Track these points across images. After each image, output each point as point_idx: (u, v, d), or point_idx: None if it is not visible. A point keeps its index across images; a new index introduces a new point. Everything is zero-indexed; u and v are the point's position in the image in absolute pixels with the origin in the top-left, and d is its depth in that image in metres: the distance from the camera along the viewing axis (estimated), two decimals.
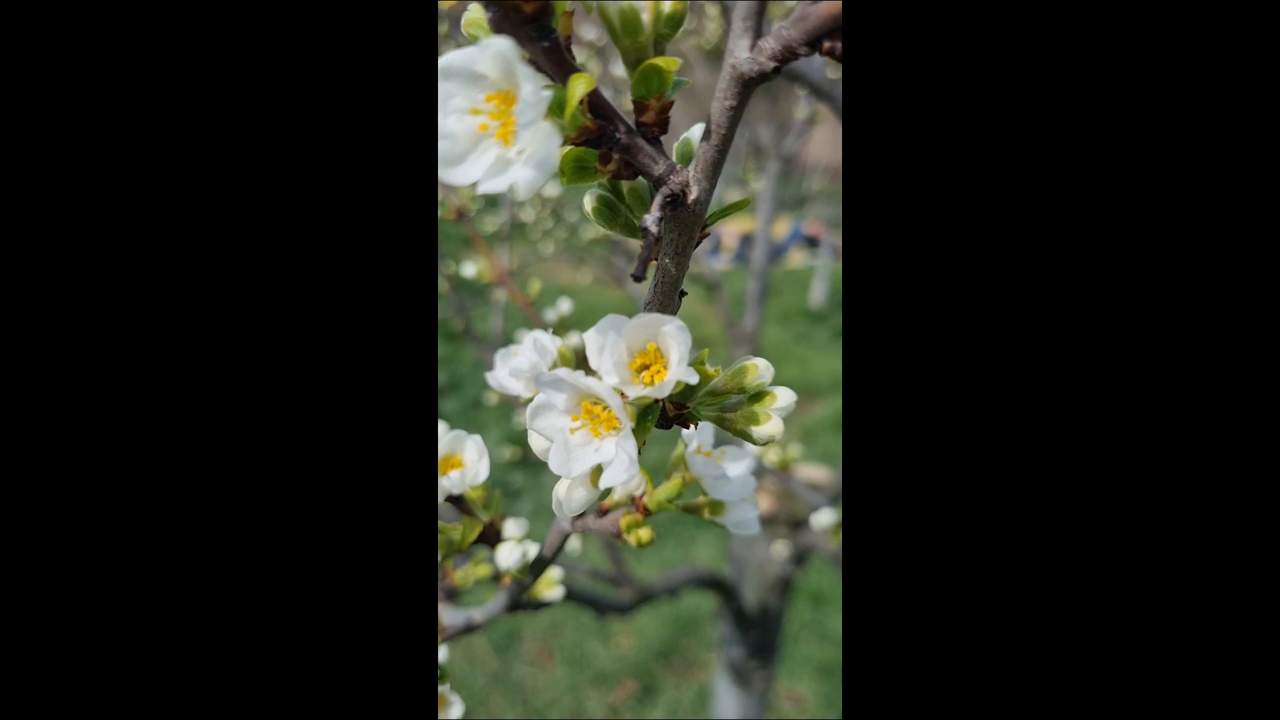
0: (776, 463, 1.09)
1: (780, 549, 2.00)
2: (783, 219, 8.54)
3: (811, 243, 9.35)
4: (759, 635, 2.09)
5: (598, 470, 0.31)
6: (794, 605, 3.10)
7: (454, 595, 0.82)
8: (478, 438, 0.47)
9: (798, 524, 2.10)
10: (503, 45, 0.23)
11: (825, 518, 1.09)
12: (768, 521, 2.18)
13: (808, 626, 3.15)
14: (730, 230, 8.22)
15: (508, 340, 1.46)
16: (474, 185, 0.24)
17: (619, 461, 0.30)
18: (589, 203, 0.32)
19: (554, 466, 0.31)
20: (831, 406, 4.94)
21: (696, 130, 0.33)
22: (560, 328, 1.03)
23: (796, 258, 9.40)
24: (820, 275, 7.51)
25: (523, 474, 3.74)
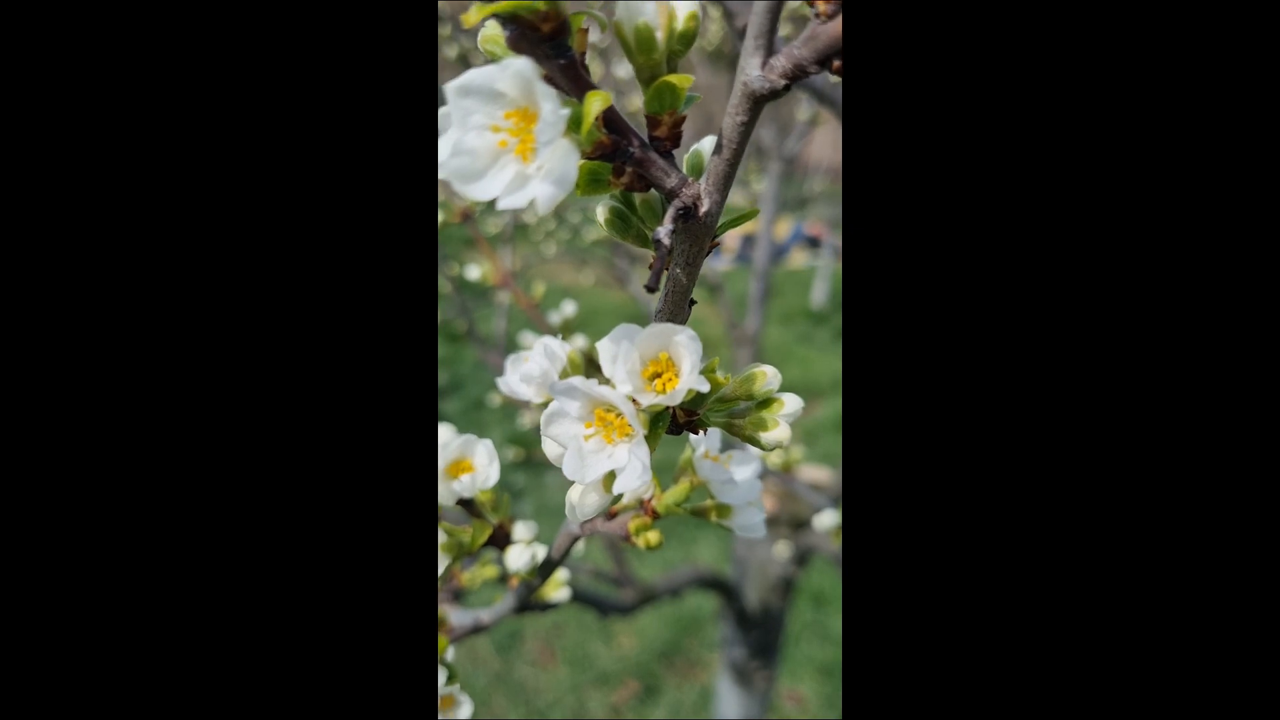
0: (779, 464, 1.09)
1: (782, 549, 2.00)
2: (784, 219, 8.54)
3: (813, 243, 9.36)
4: (760, 636, 2.10)
5: (611, 476, 0.32)
6: (796, 606, 3.10)
7: (460, 596, 0.82)
8: (488, 442, 0.48)
9: (800, 525, 2.10)
10: (522, 65, 0.24)
11: (827, 519, 1.10)
12: (770, 522, 2.19)
13: (810, 627, 3.15)
14: (731, 231, 8.22)
15: (511, 341, 1.47)
16: (494, 201, 0.24)
17: (632, 468, 0.31)
18: (602, 214, 0.33)
19: (568, 472, 0.32)
20: (833, 407, 4.95)
21: (707, 143, 0.34)
22: (565, 330, 1.04)
23: (798, 258, 9.40)
24: (822, 276, 7.52)
25: (525, 475, 3.75)
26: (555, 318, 1.07)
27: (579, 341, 0.97)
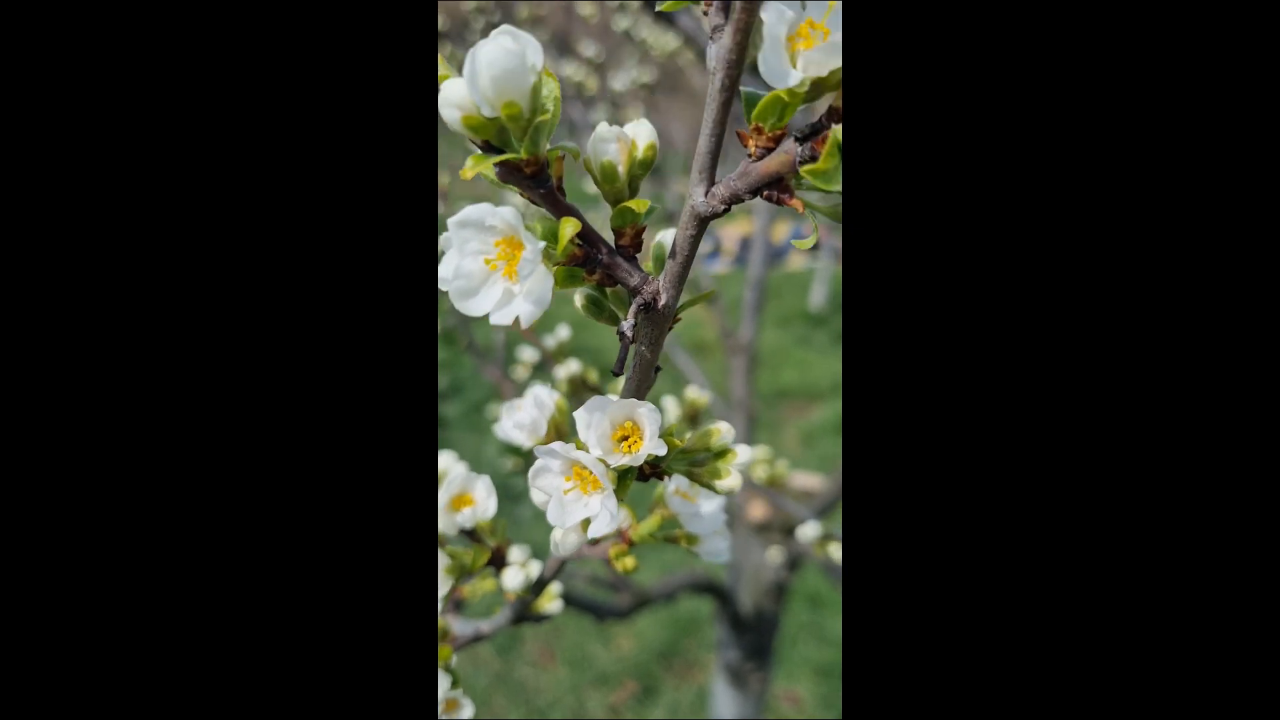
0: (766, 479, 1.16)
1: (775, 555, 2.06)
2: (782, 221, 8.59)
3: (812, 245, 9.37)
4: (754, 639, 2.16)
5: (587, 521, 0.38)
6: (792, 608, 3.16)
7: (461, 606, 0.89)
8: (486, 478, 0.54)
9: (791, 530, 2.16)
10: (508, 213, 0.30)
11: (810, 530, 1.16)
12: (762, 528, 2.25)
13: (806, 628, 3.21)
14: (730, 234, 8.27)
15: (509, 354, 1.53)
16: (486, 316, 0.31)
17: (602, 517, 0.37)
18: (579, 301, 0.39)
19: (551, 519, 0.38)
20: (831, 410, 5.00)
21: (667, 236, 0.40)
22: (559, 354, 1.10)
23: (797, 260, 9.45)
24: (820, 278, 7.55)
25: (524, 480, 3.81)
26: (550, 341, 1.14)
27: (572, 366, 1.04)
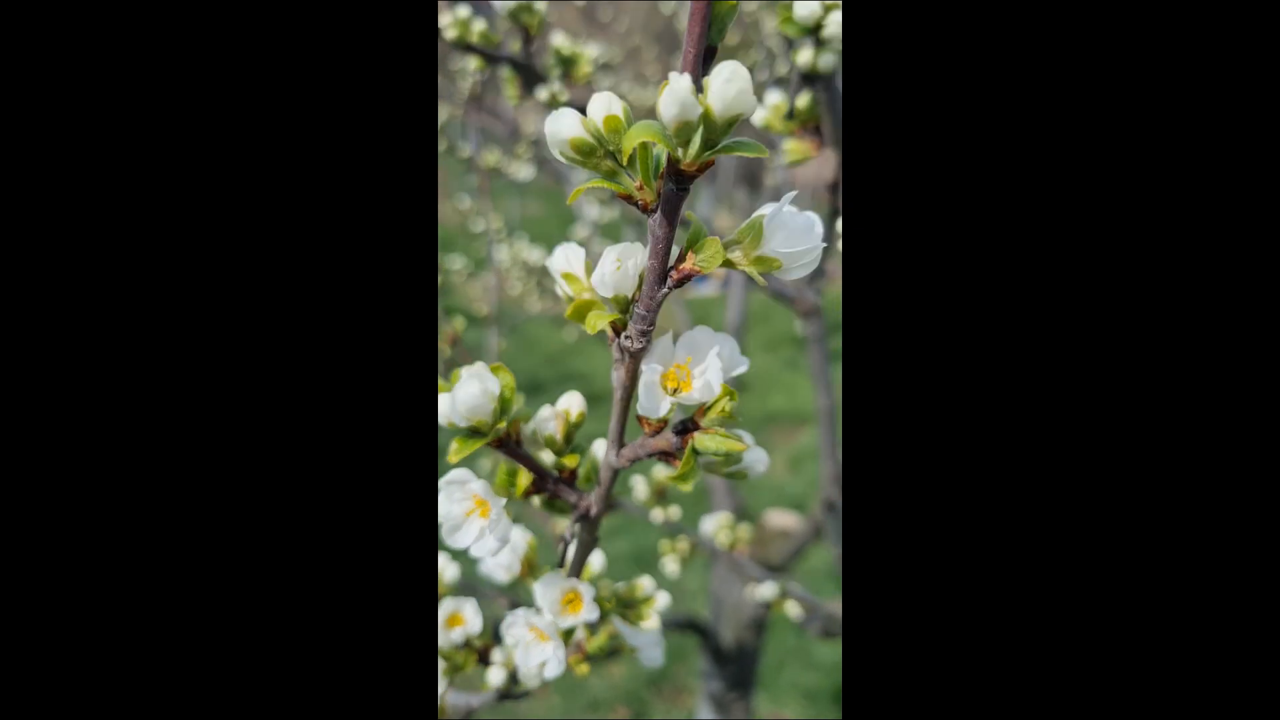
0: (726, 545, 1.31)
1: (753, 592, 2.21)
2: None
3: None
4: (736, 670, 2.30)
5: (542, 664, 0.54)
6: (779, 633, 3.28)
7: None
8: (474, 601, 0.69)
9: (772, 568, 2.30)
10: (479, 486, 0.46)
11: (767, 590, 1.32)
12: (742, 566, 2.40)
13: (792, 653, 3.33)
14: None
15: None
16: (467, 549, 0.46)
17: (553, 662, 0.53)
18: (538, 503, 0.55)
19: (518, 661, 0.54)
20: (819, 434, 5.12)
21: (599, 449, 0.56)
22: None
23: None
24: None
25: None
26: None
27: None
